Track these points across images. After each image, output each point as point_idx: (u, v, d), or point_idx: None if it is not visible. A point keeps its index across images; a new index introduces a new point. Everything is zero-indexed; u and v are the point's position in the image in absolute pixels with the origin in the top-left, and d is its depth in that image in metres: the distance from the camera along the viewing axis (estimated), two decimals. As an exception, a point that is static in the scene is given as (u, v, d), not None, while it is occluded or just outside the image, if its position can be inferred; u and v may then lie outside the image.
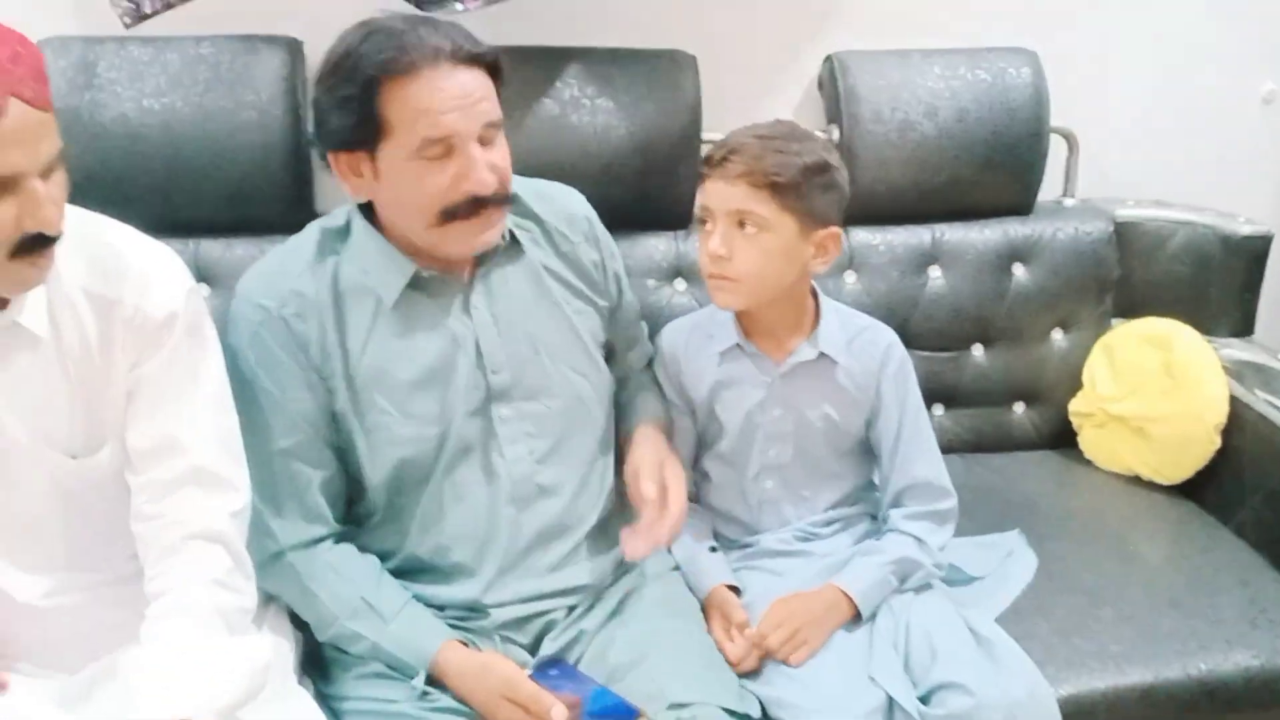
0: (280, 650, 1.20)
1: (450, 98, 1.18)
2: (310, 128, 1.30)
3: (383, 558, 1.30)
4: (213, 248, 1.63)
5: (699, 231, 1.37)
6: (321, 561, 1.25)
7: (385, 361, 1.25)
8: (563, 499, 1.32)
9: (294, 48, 1.64)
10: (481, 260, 1.29)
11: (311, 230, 1.30)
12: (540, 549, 1.30)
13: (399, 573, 1.29)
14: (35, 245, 1.01)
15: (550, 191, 1.38)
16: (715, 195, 1.32)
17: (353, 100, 1.17)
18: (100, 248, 1.14)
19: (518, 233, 1.32)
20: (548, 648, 1.28)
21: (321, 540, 1.26)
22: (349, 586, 1.24)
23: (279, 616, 1.26)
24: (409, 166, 1.18)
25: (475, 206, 1.20)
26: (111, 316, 1.12)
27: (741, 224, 1.31)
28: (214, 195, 1.61)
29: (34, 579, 1.15)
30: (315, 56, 1.39)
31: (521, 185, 1.31)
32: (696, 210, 1.38)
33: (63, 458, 1.13)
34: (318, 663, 1.27)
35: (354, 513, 1.32)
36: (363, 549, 1.29)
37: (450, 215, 1.20)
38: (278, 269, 1.27)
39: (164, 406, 1.13)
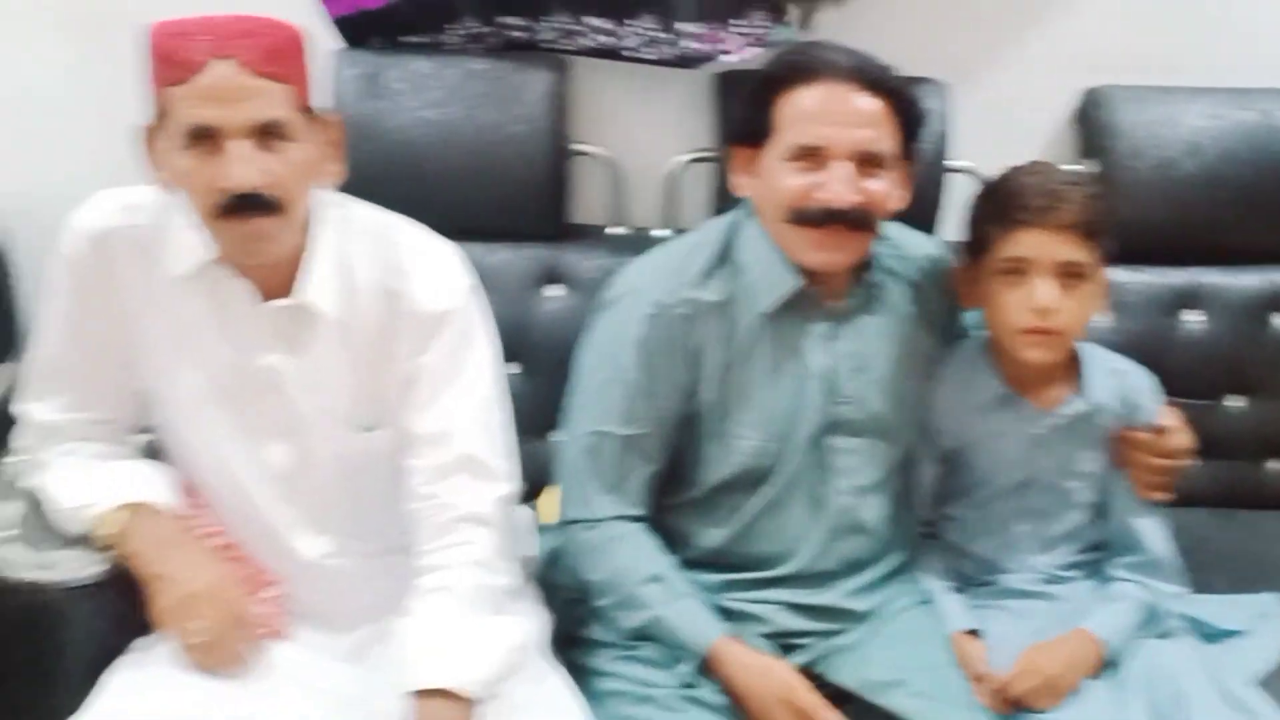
0: (535, 630, 1.25)
1: (831, 111, 1.23)
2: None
3: (681, 541, 1.35)
4: (473, 250, 1.72)
5: (999, 281, 1.29)
6: (626, 534, 1.31)
7: (752, 375, 1.31)
8: (875, 537, 1.35)
9: (559, 65, 1.74)
10: (853, 293, 1.32)
11: (710, 231, 1.36)
12: (842, 579, 1.34)
13: (690, 563, 1.34)
14: (240, 208, 1.09)
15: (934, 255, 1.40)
16: (1038, 245, 1.25)
17: (753, 97, 1.27)
18: (390, 243, 1.23)
19: (890, 280, 1.35)
20: (799, 657, 1.29)
21: (633, 521, 1.32)
22: (648, 561, 1.29)
23: (534, 599, 1.32)
24: (779, 167, 1.25)
25: (826, 218, 1.24)
26: (396, 308, 1.21)
27: (1063, 274, 1.26)
28: (479, 201, 1.71)
29: (317, 540, 1.26)
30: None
31: (910, 241, 1.37)
32: (1000, 260, 1.29)
33: (347, 433, 1.23)
34: (577, 643, 1.32)
35: (665, 497, 1.37)
36: (663, 527, 1.34)
37: (801, 219, 1.24)
38: (678, 269, 1.32)
39: (439, 397, 1.21)
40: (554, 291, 1.73)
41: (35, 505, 1.25)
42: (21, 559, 1.17)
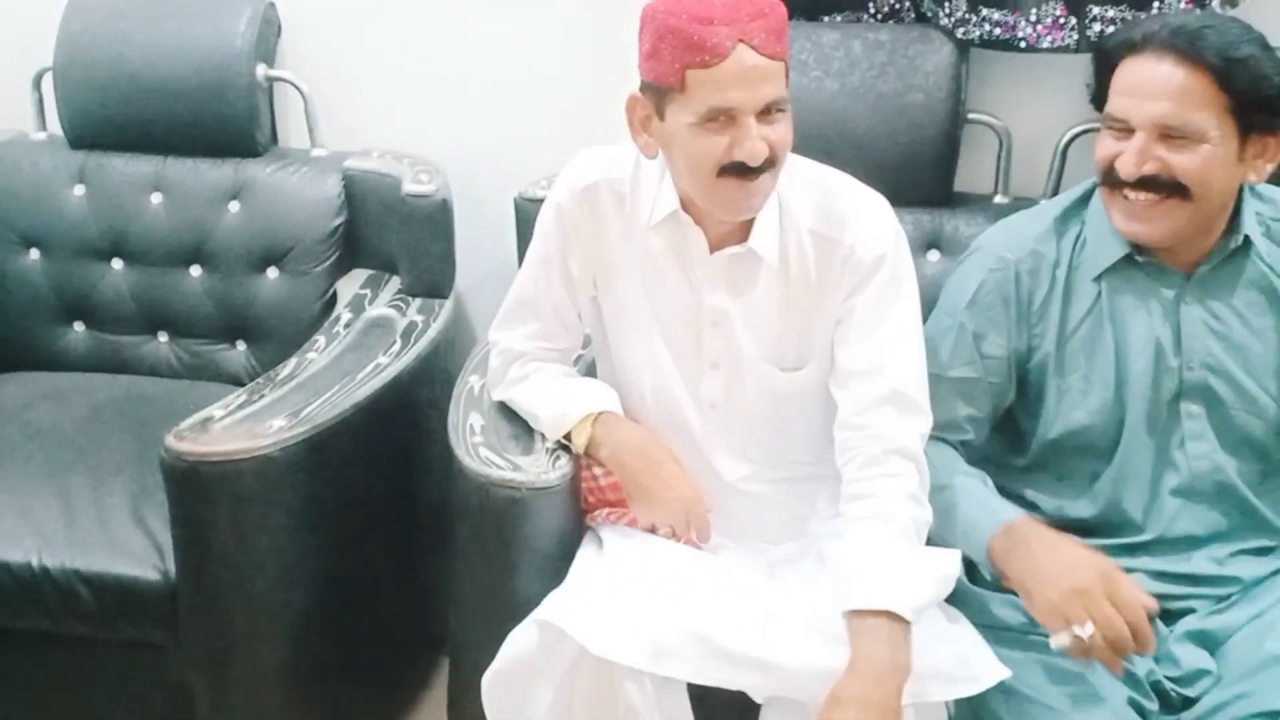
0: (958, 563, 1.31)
1: (1136, 84, 1.25)
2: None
3: (1029, 508, 1.38)
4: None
5: None
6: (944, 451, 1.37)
7: (1091, 334, 1.34)
8: (1236, 504, 1.34)
9: (952, 37, 1.77)
10: (1211, 257, 1.32)
11: (1067, 195, 1.41)
12: (1207, 545, 1.33)
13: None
14: (740, 170, 1.20)
15: None
16: None
17: (1096, 70, 1.31)
18: (825, 194, 1.32)
19: (1270, 244, 1.33)
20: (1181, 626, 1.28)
21: (953, 444, 1.39)
22: (953, 466, 1.35)
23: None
24: (1099, 136, 1.30)
25: (1119, 185, 1.27)
26: (831, 254, 1.30)
27: None
28: (875, 167, 1.73)
29: (737, 464, 1.38)
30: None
31: None
32: None
33: (776, 370, 1.33)
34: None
35: (1007, 457, 1.41)
36: (1008, 493, 1.37)
37: (1106, 184, 1.29)
38: (1023, 227, 1.40)
39: (870, 335, 1.29)
40: (932, 257, 1.77)
41: (498, 416, 1.44)
42: (498, 460, 1.35)
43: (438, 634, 1.80)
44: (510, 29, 1.95)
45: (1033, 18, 1.71)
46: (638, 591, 1.21)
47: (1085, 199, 1.38)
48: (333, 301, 1.90)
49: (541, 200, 1.48)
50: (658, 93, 1.22)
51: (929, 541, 1.25)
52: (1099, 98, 1.31)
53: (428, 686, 1.90)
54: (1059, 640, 1.18)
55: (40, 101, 2.05)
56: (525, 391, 1.41)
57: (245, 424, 1.43)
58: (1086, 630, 1.15)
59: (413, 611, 1.85)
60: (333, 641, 1.58)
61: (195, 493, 1.38)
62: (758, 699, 1.23)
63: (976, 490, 1.33)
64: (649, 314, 1.35)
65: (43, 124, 2.06)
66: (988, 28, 1.73)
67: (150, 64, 1.92)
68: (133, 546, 1.49)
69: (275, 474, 1.40)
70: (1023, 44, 1.72)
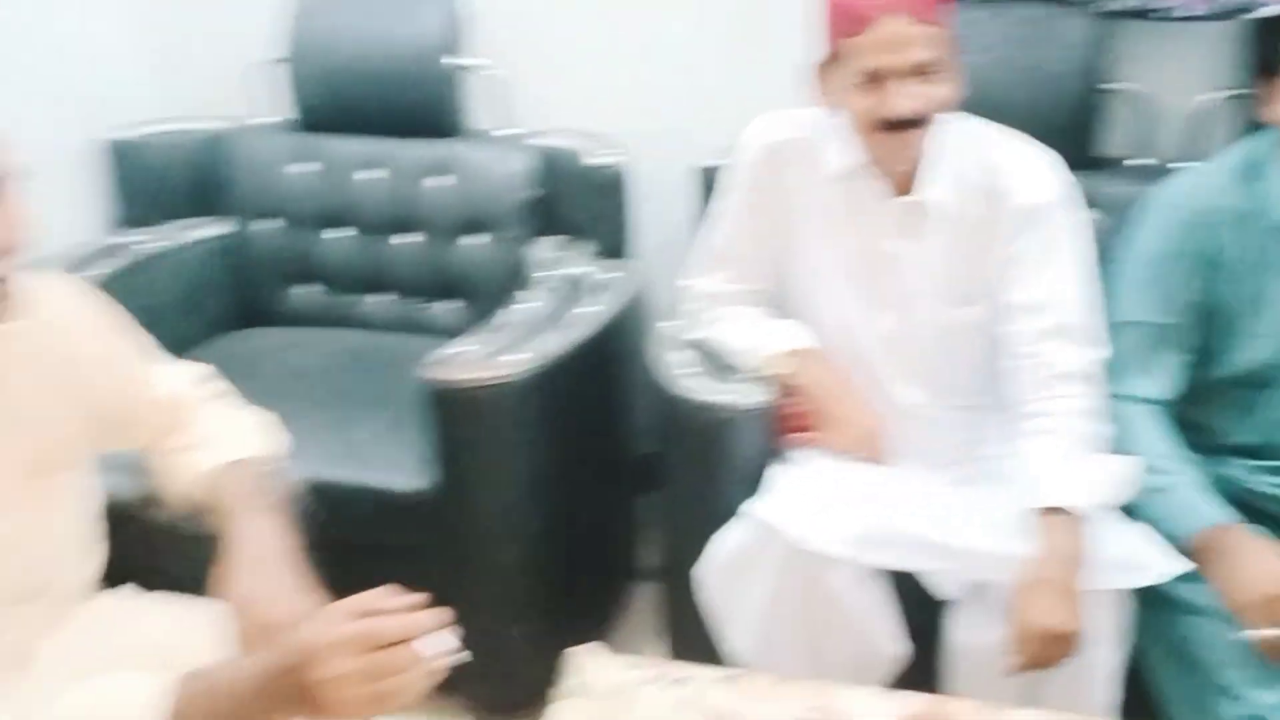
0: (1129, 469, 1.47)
1: None
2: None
3: (1206, 431, 1.53)
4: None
5: None
6: (1145, 415, 1.50)
7: (1269, 280, 1.47)
8: None
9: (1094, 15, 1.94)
10: None
11: (1242, 148, 1.54)
12: None
13: (1214, 450, 1.52)
14: (889, 125, 1.41)
15: None
16: None
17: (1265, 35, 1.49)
18: (991, 147, 1.53)
19: None
20: None
21: (1156, 404, 1.52)
22: (1159, 444, 1.48)
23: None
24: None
25: None
26: (992, 203, 1.50)
27: None
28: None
29: (910, 391, 1.59)
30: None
31: None
32: None
33: (945, 307, 1.55)
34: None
35: (1188, 389, 1.54)
36: (1186, 419, 1.52)
37: None
38: (1207, 179, 1.54)
39: (1034, 275, 1.49)
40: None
41: (696, 353, 1.68)
42: (703, 388, 1.59)
43: (637, 565, 2.07)
44: (686, 9, 2.19)
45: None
46: (836, 492, 1.44)
47: (1264, 151, 1.48)
48: (528, 263, 2.17)
49: (717, 169, 1.71)
50: (828, 61, 1.45)
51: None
52: (1269, 63, 1.44)
53: (628, 609, 2.15)
54: (1255, 634, 1.29)
55: (264, 91, 2.35)
56: (724, 330, 1.64)
57: (488, 358, 1.70)
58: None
59: (617, 540, 2.13)
60: (557, 553, 1.85)
61: (456, 415, 1.67)
62: (947, 595, 1.44)
63: (1194, 477, 1.44)
64: (830, 258, 1.57)
65: (268, 109, 2.36)
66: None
67: (363, 56, 2.20)
68: (401, 463, 1.77)
69: (517, 399, 1.68)
70: (1156, 14, 1.89)
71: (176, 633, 1.16)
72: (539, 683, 1.44)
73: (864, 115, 1.44)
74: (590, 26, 2.25)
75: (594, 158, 2.14)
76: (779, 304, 1.67)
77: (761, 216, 1.61)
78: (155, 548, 1.28)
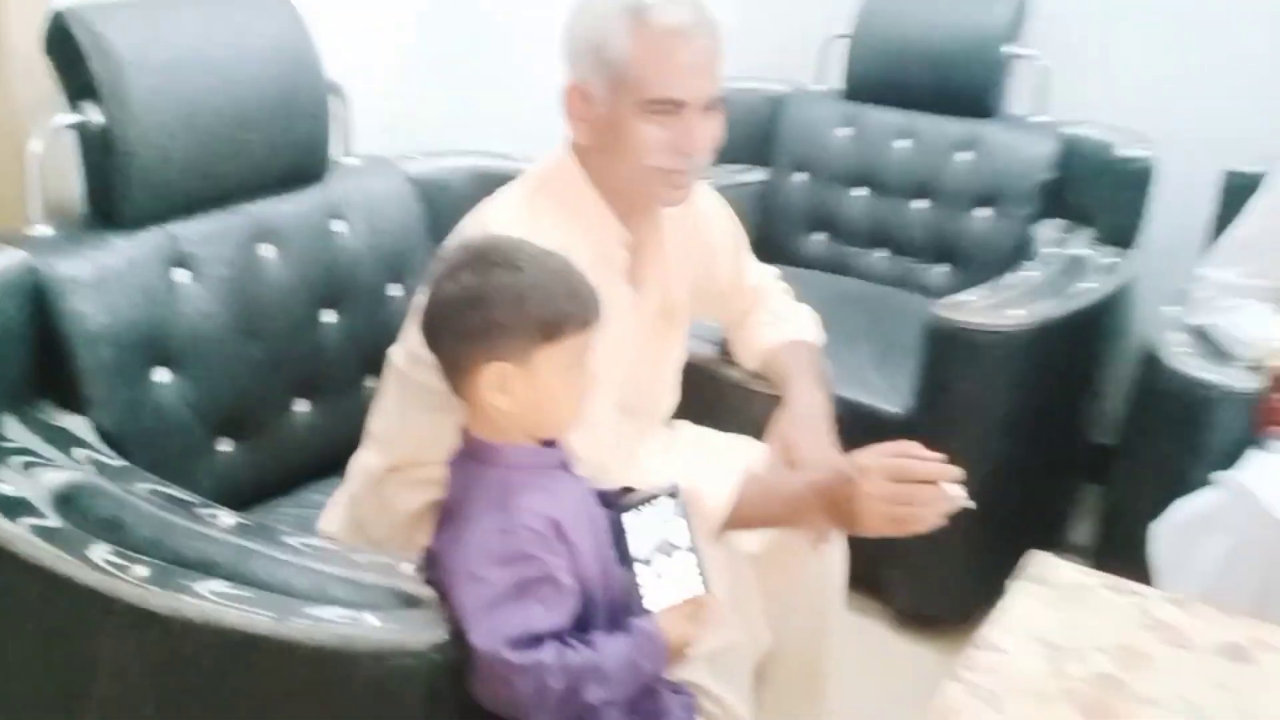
0: None
1: None
2: None
3: None
4: None
5: None
6: None
7: None
8: None
9: None
10: None
11: None
12: None
13: None
14: None
15: None
16: None
17: None
18: None
19: None
20: None
21: None
22: None
23: None
24: None
25: None
26: None
27: None
28: None
29: None
30: None
31: None
32: None
33: None
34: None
35: None
36: None
37: None
38: None
39: None
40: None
41: (1196, 336, 1.81)
42: (1195, 365, 1.73)
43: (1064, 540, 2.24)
44: (1235, 23, 2.25)
45: None
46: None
47: None
48: (1029, 241, 2.35)
49: (1243, 175, 1.79)
50: None
51: None
52: None
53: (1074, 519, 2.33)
54: None
55: (822, 61, 2.71)
56: (1232, 319, 1.75)
57: (993, 308, 1.94)
58: None
59: (1054, 513, 2.29)
60: (1007, 496, 2.03)
61: (949, 350, 1.92)
62: None
63: None
64: None
65: (823, 78, 2.71)
66: None
67: (924, 38, 2.48)
68: (890, 390, 2.05)
69: (1010, 348, 1.90)
70: None
71: (734, 452, 1.52)
72: (959, 604, 1.63)
73: None
74: (1143, 28, 2.38)
75: (1125, 150, 2.27)
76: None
77: None
78: (720, 397, 1.66)
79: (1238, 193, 1.94)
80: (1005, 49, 2.40)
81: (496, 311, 1.08)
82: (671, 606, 1.14)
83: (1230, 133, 2.18)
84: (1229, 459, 1.65)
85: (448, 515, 1.13)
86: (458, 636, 1.06)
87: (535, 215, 1.31)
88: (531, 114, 1.73)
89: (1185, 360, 1.74)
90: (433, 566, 1.12)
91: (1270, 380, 1.67)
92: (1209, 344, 1.77)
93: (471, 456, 1.15)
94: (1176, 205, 2.27)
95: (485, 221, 1.31)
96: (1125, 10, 2.40)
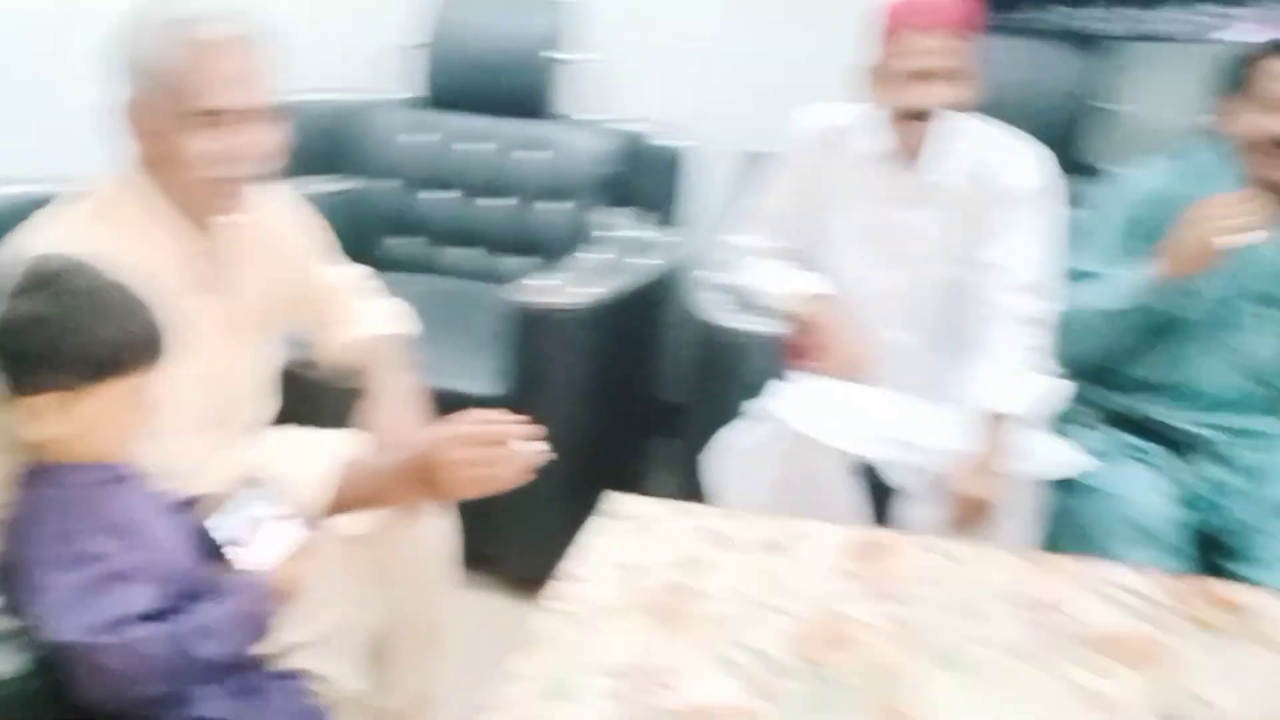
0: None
1: None
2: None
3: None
4: None
5: None
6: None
7: None
8: None
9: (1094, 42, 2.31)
10: None
11: (1193, 151, 1.92)
12: None
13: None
14: (910, 116, 1.82)
15: None
16: None
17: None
18: (985, 142, 1.90)
19: None
20: None
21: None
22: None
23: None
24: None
25: None
26: (983, 187, 1.88)
27: None
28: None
29: (902, 334, 1.98)
30: None
31: None
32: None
33: (940, 266, 1.93)
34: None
35: None
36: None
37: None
38: (1154, 172, 1.93)
39: (1004, 240, 1.89)
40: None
41: (724, 293, 2.11)
42: (728, 318, 2.03)
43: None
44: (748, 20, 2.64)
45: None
46: (829, 400, 1.86)
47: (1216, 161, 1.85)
48: (595, 228, 2.60)
49: (759, 155, 2.12)
50: (876, 64, 1.84)
51: None
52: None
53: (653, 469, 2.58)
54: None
55: (405, 70, 2.77)
56: (756, 276, 2.05)
57: (566, 288, 2.15)
58: None
59: (631, 471, 2.56)
60: (594, 461, 2.27)
61: (529, 330, 2.10)
62: (902, 486, 1.84)
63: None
64: (852, 224, 1.96)
65: (408, 86, 2.79)
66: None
67: (484, 45, 2.67)
68: (478, 374, 2.20)
69: (585, 323, 2.12)
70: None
71: (331, 445, 1.58)
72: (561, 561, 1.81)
73: (890, 107, 1.84)
74: (680, 33, 2.73)
75: (659, 140, 2.60)
76: (804, 260, 2.05)
77: (802, 187, 2.00)
78: (311, 399, 1.72)
79: (755, 170, 2.27)
80: (545, 53, 2.65)
81: (55, 341, 1.12)
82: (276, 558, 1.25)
83: (752, 121, 2.53)
84: (761, 391, 1.95)
85: (13, 534, 1.16)
86: (45, 656, 1.09)
87: (93, 237, 1.31)
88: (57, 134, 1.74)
89: (719, 313, 2.04)
90: (8, 581, 1.15)
91: (793, 324, 1.99)
92: (738, 299, 2.08)
93: (36, 476, 1.18)
94: (716, 185, 2.61)
95: (41, 245, 1.30)
96: (666, 17, 2.73)
